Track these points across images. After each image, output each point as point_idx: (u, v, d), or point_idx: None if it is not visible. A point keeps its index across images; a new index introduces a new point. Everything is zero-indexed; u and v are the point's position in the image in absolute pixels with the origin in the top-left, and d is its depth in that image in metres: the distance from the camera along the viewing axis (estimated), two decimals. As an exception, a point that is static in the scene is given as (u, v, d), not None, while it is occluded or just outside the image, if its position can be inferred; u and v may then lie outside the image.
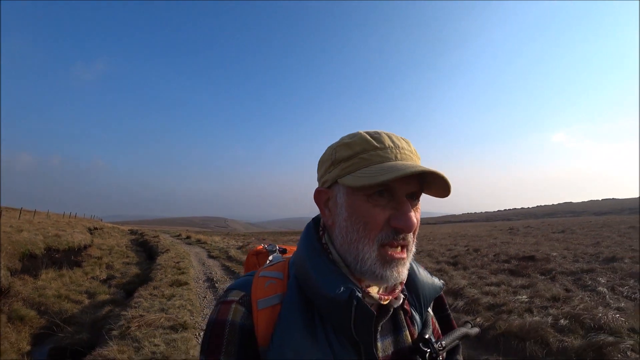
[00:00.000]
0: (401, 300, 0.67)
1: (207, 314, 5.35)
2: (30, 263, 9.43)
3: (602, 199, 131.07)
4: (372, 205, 0.60)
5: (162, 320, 4.57)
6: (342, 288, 0.58)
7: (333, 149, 0.67)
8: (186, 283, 7.33)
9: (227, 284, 7.62)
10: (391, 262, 0.60)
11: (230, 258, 12.37)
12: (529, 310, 4.69)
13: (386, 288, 0.66)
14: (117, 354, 3.62)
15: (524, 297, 5.32)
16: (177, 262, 10.60)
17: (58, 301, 7.30)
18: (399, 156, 0.63)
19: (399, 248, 0.62)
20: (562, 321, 4.12)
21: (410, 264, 0.72)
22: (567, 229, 20.20)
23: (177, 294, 6.24)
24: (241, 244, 17.57)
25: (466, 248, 12.81)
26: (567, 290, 5.68)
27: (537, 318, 4.20)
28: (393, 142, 0.64)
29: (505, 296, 5.45)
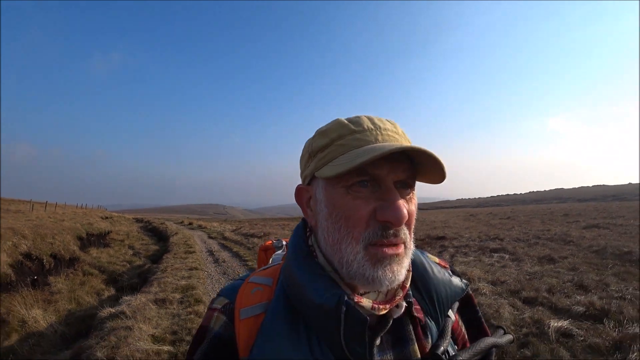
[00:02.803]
0: (402, 309, 0.57)
1: (207, 267, 9.04)
2: (82, 243, 13.14)
3: (592, 186, 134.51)
4: (353, 197, 0.53)
5: (183, 267, 8.33)
6: (329, 294, 0.52)
7: (310, 140, 0.62)
8: (194, 252, 11.12)
9: (222, 254, 11.36)
10: (383, 259, 0.52)
11: (225, 238, 16.18)
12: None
13: (386, 294, 0.58)
14: (157, 286, 7.29)
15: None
16: (185, 241, 14.36)
17: (110, 265, 11.06)
18: (379, 138, 0.55)
19: (393, 244, 0.53)
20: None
21: (422, 263, 0.66)
22: (513, 216, 24.01)
23: (189, 258, 9.98)
24: (235, 228, 21.47)
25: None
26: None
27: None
28: (374, 123, 0.57)
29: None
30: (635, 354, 2.99)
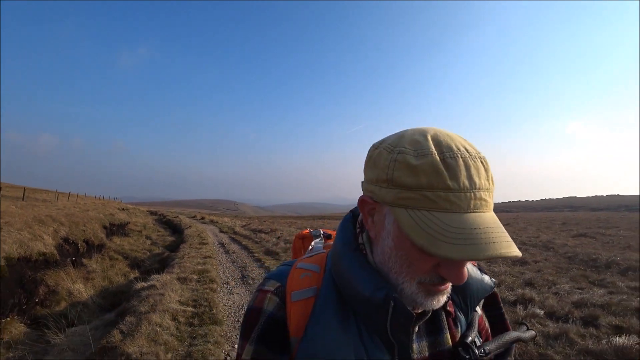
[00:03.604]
0: (442, 303, 0.59)
1: (219, 256, 10.21)
2: (106, 232, 14.48)
3: (606, 195, 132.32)
4: (422, 250, 0.51)
5: (198, 255, 9.52)
6: (377, 287, 0.55)
7: (392, 162, 0.53)
8: (207, 243, 12.32)
9: (232, 246, 12.55)
10: (435, 294, 0.55)
11: (235, 232, 17.40)
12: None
13: None
14: (178, 268, 8.46)
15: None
16: (199, 234, 15.62)
17: (132, 252, 12.35)
18: (472, 204, 0.49)
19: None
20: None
21: None
22: (513, 223, 24.71)
23: (203, 248, 11.17)
24: (245, 224, 22.74)
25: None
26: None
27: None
28: (470, 177, 0.49)
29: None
30: (530, 325, 4.04)
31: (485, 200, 0.51)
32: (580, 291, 5.67)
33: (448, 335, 0.64)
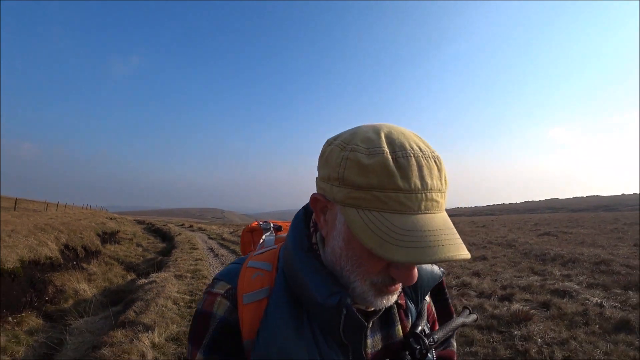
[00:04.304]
0: (392, 302, 0.60)
1: (209, 259, 11.09)
2: (100, 239, 15.18)
3: (586, 196, 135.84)
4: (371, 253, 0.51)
5: (190, 258, 10.40)
6: (330, 293, 0.54)
7: (343, 159, 0.52)
8: (197, 248, 13.21)
9: (221, 250, 13.41)
10: (386, 294, 0.56)
11: (223, 239, 18.27)
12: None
13: None
14: (173, 268, 9.32)
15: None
16: (189, 240, 16.42)
17: (126, 258, 13.11)
18: (423, 205, 0.49)
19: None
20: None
21: None
22: (488, 225, 26.09)
23: (194, 252, 12.05)
24: (232, 231, 23.60)
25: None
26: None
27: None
28: (422, 177, 0.49)
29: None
30: (460, 303, 5.09)
31: (436, 201, 0.51)
32: (518, 278, 6.77)
33: (400, 327, 0.66)
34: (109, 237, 17.54)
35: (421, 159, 0.50)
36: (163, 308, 4.78)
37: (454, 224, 0.52)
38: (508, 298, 5.21)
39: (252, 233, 1.05)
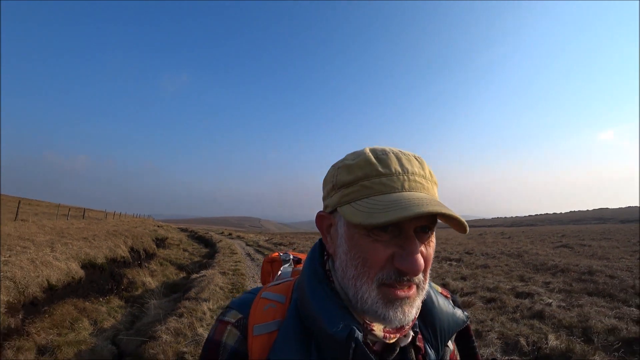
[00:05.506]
0: (410, 338, 0.60)
1: (246, 262, 12.99)
2: (155, 244, 17.67)
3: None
4: (373, 240, 0.54)
5: (230, 261, 12.37)
6: (341, 325, 0.54)
7: (335, 170, 0.61)
8: (236, 253, 15.24)
9: (257, 256, 15.31)
10: (394, 301, 0.54)
11: (259, 246, 20.38)
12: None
13: None
14: (217, 267, 11.27)
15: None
16: (229, 246, 18.57)
17: (177, 260, 15.38)
18: (406, 185, 0.55)
19: (406, 287, 0.55)
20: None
21: (429, 294, 0.67)
22: (513, 236, 26.28)
23: (234, 256, 14.02)
24: (268, 239, 25.80)
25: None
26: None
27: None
28: (402, 165, 0.56)
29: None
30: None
31: (421, 184, 0.56)
32: (499, 282, 7.86)
33: None
34: (160, 242, 20.05)
35: (400, 154, 0.59)
36: (213, 291, 6.69)
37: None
38: (470, 294, 6.52)
39: (271, 264, 1.07)
